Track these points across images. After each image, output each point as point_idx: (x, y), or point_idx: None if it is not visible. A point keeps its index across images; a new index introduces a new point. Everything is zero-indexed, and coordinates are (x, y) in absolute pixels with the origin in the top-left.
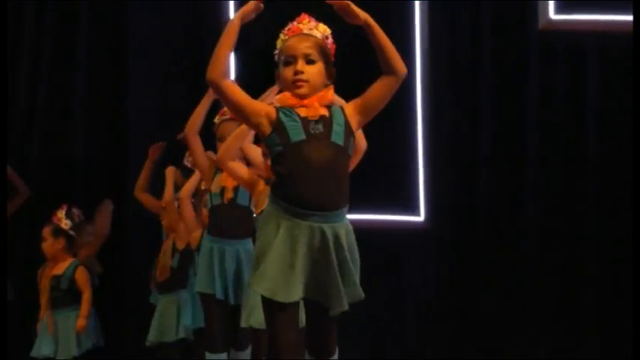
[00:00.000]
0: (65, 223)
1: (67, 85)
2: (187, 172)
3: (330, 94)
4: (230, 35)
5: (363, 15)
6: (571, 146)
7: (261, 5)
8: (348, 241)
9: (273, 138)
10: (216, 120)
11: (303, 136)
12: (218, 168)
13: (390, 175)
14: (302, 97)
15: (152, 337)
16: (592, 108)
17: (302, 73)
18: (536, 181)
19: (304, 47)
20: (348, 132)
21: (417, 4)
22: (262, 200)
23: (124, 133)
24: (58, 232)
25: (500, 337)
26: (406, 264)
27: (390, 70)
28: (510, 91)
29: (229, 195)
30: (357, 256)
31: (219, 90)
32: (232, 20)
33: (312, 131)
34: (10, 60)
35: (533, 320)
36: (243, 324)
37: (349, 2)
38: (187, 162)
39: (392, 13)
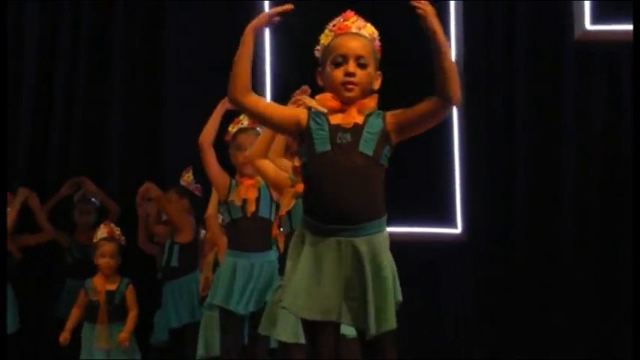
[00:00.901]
0: (121, 243)
1: (103, 101)
2: (184, 192)
3: (373, 103)
4: (245, 50)
5: (439, 29)
6: (608, 158)
7: (275, 18)
8: (381, 256)
9: (302, 147)
10: (231, 129)
11: (327, 147)
12: (234, 181)
13: (427, 187)
14: (348, 101)
15: (201, 352)
16: (629, 119)
17: (354, 75)
18: (574, 192)
19: (356, 48)
20: (383, 141)
21: (452, 4)
22: (288, 200)
23: (159, 158)
24: (119, 251)
25: (540, 350)
26: (443, 276)
27: (444, 95)
28: (546, 102)
29: (252, 208)
30: (387, 274)
31: (243, 108)
32: (245, 35)
33: (338, 141)
34: (46, 72)
35: (572, 333)
36: (261, 330)
37: (434, 12)
38: (183, 181)
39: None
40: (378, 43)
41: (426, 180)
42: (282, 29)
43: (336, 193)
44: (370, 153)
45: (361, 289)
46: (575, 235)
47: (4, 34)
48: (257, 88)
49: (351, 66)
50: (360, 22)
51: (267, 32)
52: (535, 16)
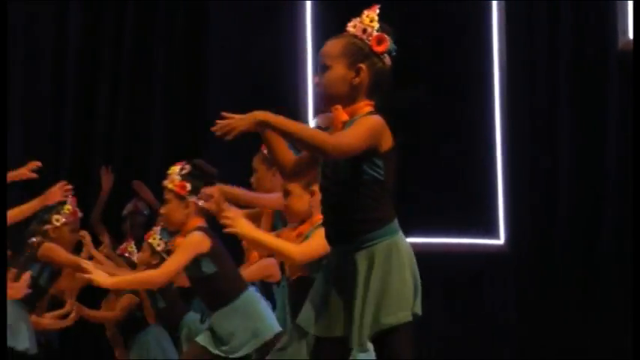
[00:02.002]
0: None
1: (145, 110)
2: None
3: (367, 107)
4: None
5: (275, 122)
6: None
7: None
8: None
9: None
10: None
11: (321, 168)
12: None
13: (470, 198)
14: (327, 110)
15: None
16: None
17: (317, 85)
18: (617, 204)
19: (321, 53)
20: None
21: (494, 5)
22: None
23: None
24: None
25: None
26: (485, 287)
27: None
28: (590, 112)
29: None
30: (375, 287)
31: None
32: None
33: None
34: (88, 84)
35: (615, 345)
36: None
37: (231, 122)
38: None
39: (469, 13)
40: (365, 34)
41: (468, 191)
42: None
43: (325, 216)
44: (346, 169)
45: (352, 303)
46: (618, 246)
47: (5, 34)
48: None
49: (316, 78)
50: (359, 18)
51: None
52: (579, 18)
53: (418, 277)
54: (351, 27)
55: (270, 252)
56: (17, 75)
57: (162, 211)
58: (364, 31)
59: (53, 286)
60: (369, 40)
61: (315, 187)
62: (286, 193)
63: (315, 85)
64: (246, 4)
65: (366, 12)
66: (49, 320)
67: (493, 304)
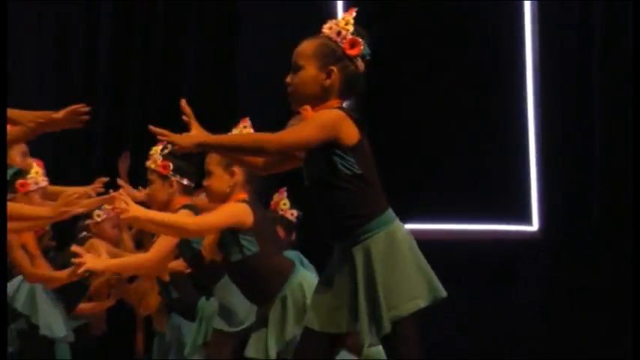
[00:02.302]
0: None
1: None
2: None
3: (317, 109)
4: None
5: (208, 141)
6: None
7: None
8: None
9: None
10: None
11: (304, 171)
12: None
13: (502, 184)
14: (298, 111)
15: None
16: None
17: (288, 85)
18: None
19: (294, 53)
20: (327, 148)
21: (527, 5)
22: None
23: None
24: None
25: (618, 350)
26: (518, 275)
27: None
28: (621, 98)
29: None
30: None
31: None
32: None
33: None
34: (120, 76)
35: None
36: None
37: (170, 137)
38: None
39: (502, 13)
40: (339, 36)
41: (501, 176)
42: None
43: (315, 212)
44: (322, 169)
45: (354, 298)
46: None
47: (5, 34)
48: None
49: (289, 76)
50: (335, 20)
51: None
52: (610, 16)
53: (424, 262)
54: (327, 29)
55: (168, 229)
56: (49, 71)
57: (146, 191)
58: (338, 33)
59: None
60: (343, 43)
61: (236, 169)
62: (207, 173)
63: (287, 85)
64: (277, 3)
65: (343, 14)
66: (90, 304)
67: (526, 291)
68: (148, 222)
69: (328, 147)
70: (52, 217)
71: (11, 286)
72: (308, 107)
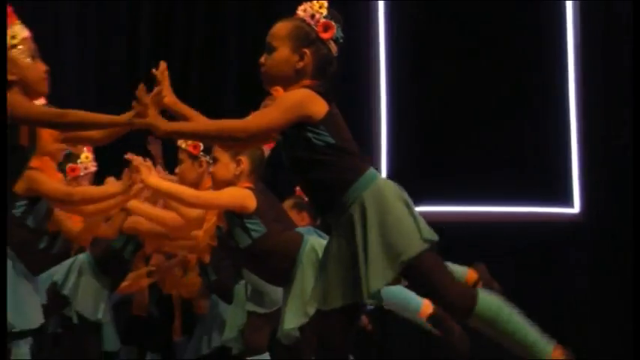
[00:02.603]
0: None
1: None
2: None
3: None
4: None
5: (168, 129)
6: None
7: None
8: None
9: None
10: None
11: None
12: None
13: (543, 166)
14: (270, 92)
15: None
16: None
17: (262, 65)
18: None
19: (269, 34)
20: (292, 132)
21: (569, 5)
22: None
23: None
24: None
25: None
26: (559, 258)
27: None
28: None
29: None
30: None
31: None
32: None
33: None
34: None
35: None
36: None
37: (152, 122)
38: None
39: (542, 13)
40: (313, 19)
41: (542, 158)
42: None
43: (304, 191)
44: (296, 147)
45: (362, 256)
46: None
47: (4, 34)
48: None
49: (263, 57)
50: (310, 2)
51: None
52: None
53: (413, 207)
54: (301, 11)
55: (171, 198)
56: (88, 65)
57: (176, 170)
58: (312, 16)
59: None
60: (316, 26)
61: (243, 157)
62: (214, 160)
63: (260, 65)
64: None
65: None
66: (128, 282)
67: (566, 274)
68: (158, 190)
69: (299, 126)
70: (121, 193)
71: (60, 270)
72: (279, 88)
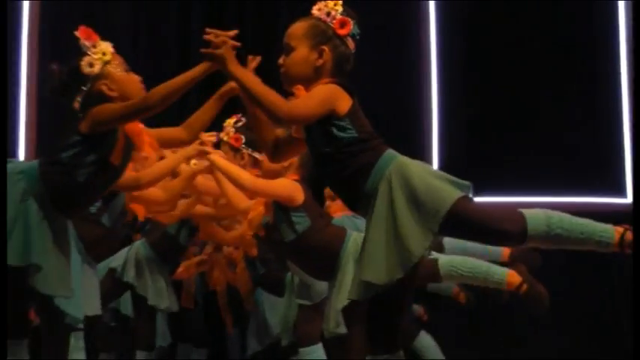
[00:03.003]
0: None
1: None
2: None
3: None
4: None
5: (236, 71)
6: None
7: None
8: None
9: None
10: None
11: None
12: None
13: (595, 155)
14: (290, 92)
15: None
16: None
17: (281, 66)
18: None
19: (286, 35)
20: (317, 127)
21: (621, 5)
22: None
23: None
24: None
25: None
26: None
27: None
28: None
29: None
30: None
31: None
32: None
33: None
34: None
35: None
36: None
37: (228, 56)
38: None
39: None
40: (329, 17)
41: (593, 147)
42: None
43: (333, 188)
44: (323, 145)
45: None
46: None
47: (4, 34)
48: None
49: (281, 58)
50: (325, 1)
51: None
52: None
53: (437, 171)
54: (316, 10)
55: (229, 178)
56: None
57: None
58: (328, 14)
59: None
60: (333, 23)
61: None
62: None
63: (279, 66)
64: (368, 3)
65: None
66: (185, 268)
67: (619, 264)
68: (218, 167)
69: (325, 120)
70: (183, 161)
71: (119, 257)
72: (300, 87)
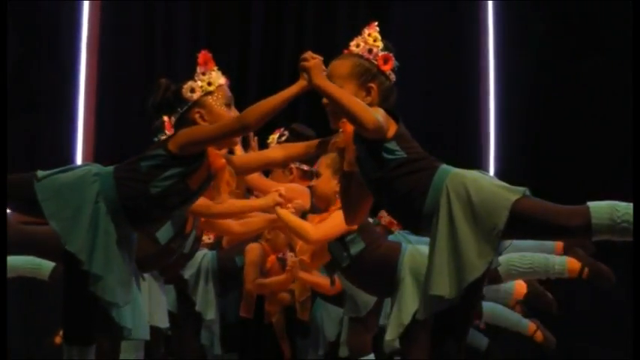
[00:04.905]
0: None
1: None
2: None
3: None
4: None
5: (321, 82)
6: None
7: None
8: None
9: None
10: None
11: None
12: None
13: None
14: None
15: None
16: None
17: (325, 106)
18: None
19: (328, 73)
20: (367, 153)
21: None
22: None
23: None
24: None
25: None
26: None
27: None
28: None
29: None
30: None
31: None
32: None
33: None
34: (271, 81)
35: None
36: None
37: (317, 66)
38: None
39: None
40: (371, 54)
41: None
42: None
43: (390, 212)
44: (374, 170)
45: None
46: None
47: (4, 34)
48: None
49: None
50: (362, 37)
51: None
52: None
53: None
54: (354, 46)
55: (294, 232)
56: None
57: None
58: (370, 51)
59: None
60: (376, 60)
61: None
62: (317, 175)
63: (325, 105)
64: (427, 4)
65: (366, 30)
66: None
67: None
68: (286, 221)
69: (374, 146)
70: (265, 207)
71: (190, 267)
72: (345, 121)
